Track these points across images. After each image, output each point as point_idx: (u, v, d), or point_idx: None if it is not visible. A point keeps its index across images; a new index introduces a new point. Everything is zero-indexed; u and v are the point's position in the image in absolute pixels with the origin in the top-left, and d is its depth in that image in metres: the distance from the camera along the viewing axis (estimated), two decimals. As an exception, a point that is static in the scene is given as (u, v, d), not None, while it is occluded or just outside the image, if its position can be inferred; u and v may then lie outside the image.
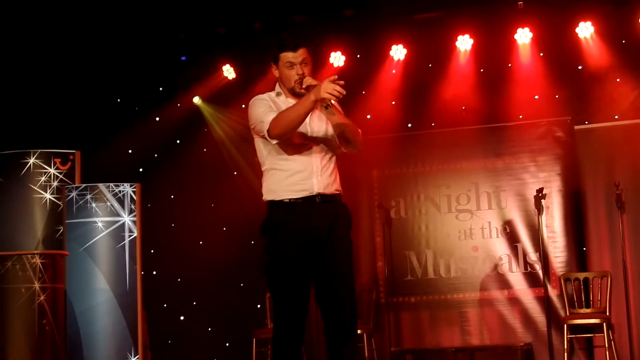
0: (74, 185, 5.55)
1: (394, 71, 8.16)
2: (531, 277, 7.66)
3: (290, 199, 3.88)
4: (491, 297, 7.73)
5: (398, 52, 8.09)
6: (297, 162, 3.90)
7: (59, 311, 5.19)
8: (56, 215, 5.58)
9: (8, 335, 5.08)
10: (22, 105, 7.63)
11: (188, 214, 8.44)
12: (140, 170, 8.50)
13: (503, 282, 7.72)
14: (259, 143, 3.99)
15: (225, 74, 8.44)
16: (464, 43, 7.96)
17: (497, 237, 7.81)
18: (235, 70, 8.41)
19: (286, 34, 3.99)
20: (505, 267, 7.75)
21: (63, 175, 5.64)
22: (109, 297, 5.31)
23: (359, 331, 7.28)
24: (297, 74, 3.91)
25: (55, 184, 5.60)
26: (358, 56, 8.23)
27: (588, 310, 7.24)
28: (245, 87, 7.88)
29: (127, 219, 5.44)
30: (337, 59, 8.16)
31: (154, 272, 8.30)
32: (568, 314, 7.27)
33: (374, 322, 7.76)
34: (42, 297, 5.12)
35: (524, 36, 7.81)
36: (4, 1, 7.10)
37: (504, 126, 7.92)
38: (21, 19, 7.33)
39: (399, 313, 7.91)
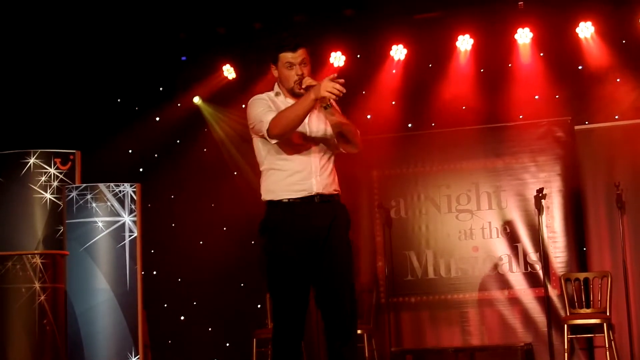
0: (74, 185, 5.55)
1: (394, 71, 8.16)
2: (531, 277, 7.66)
3: (289, 199, 3.88)
4: (491, 297, 7.73)
5: (398, 52, 8.09)
6: (296, 162, 3.91)
7: (59, 311, 5.18)
8: (56, 215, 5.58)
9: (9, 335, 5.08)
10: (22, 105, 7.63)
11: (188, 214, 8.44)
12: (141, 170, 8.50)
13: (503, 282, 7.72)
14: (257, 143, 3.99)
15: (226, 74, 8.44)
16: (464, 43, 7.96)
17: (498, 237, 7.81)
18: (235, 70, 8.41)
19: (286, 34, 3.99)
20: (505, 267, 7.75)
21: (63, 175, 5.64)
22: (110, 297, 5.31)
23: (359, 331, 7.28)
24: (297, 75, 3.91)
25: (55, 183, 5.60)
26: (358, 56, 8.23)
27: (588, 311, 7.24)
28: (246, 87, 7.88)
29: (127, 219, 5.44)
30: (337, 59, 8.16)
31: (154, 272, 8.30)
32: (568, 314, 7.27)
33: (374, 322, 7.76)
34: (42, 297, 5.12)
35: (524, 36, 7.81)
36: (4, 1, 7.10)
37: (504, 126, 7.92)
38: (21, 19, 7.33)
39: (399, 313, 7.91)
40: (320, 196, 3.90)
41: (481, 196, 7.91)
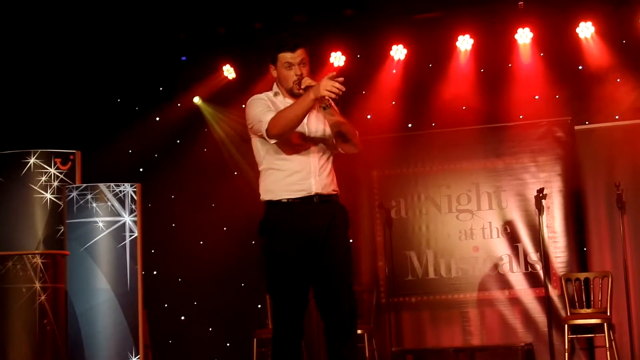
0: (74, 185, 5.54)
1: (394, 71, 8.16)
2: (532, 277, 7.66)
3: (288, 199, 3.88)
4: (492, 297, 7.72)
5: (398, 52, 8.09)
6: (295, 162, 3.91)
7: (59, 311, 5.18)
8: (57, 215, 5.58)
9: (9, 335, 5.07)
10: (22, 105, 7.63)
11: (188, 213, 8.44)
12: (141, 170, 8.50)
13: (504, 282, 7.72)
14: (256, 143, 3.99)
15: (226, 74, 8.44)
16: (464, 43, 7.96)
17: (498, 237, 7.81)
18: (235, 70, 8.41)
19: (285, 34, 3.99)
20: (505, 267, 7.75)
21: (63, 175, 5.64)
22: (110, 297, 5.30)
23: (359, 331, 7.28)
24: (296, 75, 3.91)
25: (55, 183, 5.60)
26: (358, 56, 8.22)
27: (589, 311, 7.23)
28: (246, 87, 7.87)
29: (127, 219, 5.44)
30: (337, 58, 8.15)
31: (155, 272, 8.29)
32: (569, 314, 7.27)
33: (375, 322, 7.75)
34: (43, 297, 5.11)
35: (524, 36, 7.81)
36: (4, 1, 7.10)
37: (505, 126, 7.92)
38: (21, 19, 7.33)
39: (399, 313, 7.91)
40: (319, 196, 3.90)
41: (481, 196, 7.91)
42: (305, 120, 3.88)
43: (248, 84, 7.86)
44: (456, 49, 8.00)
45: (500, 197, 7.85)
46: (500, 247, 7.79)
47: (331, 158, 4.00)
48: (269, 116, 3.84)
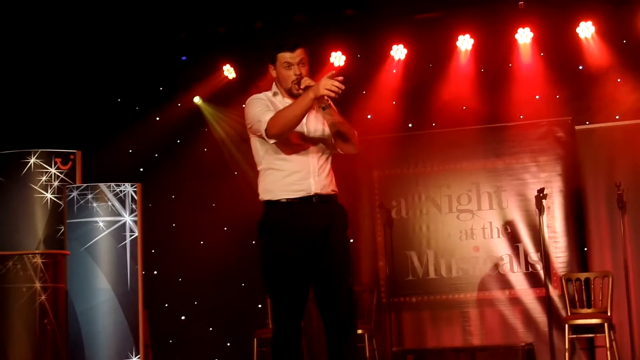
0: (74, 185, 5.54)
1: (394, 71, 8.15)
2: (532, 277, 7.66)
3: (287, 199, 3.88)
4: (492, 297, 7.72)
5: (398, 52, 8.09)
6: (294, 162, 3.91)
7: (60, 311, 5.18)
8: (57, 215, 5.58)
9: (9, 335, 5.07)
10: (22, 105, 7.63)
11: (189, 213, 8.44)
12: (141, 170, 8.50)
13: (504, 282, 7.72)
14: (255, 142, 3.99)
15: (226, 73, 8.44)
16: (465, 43, 7.96)
17: (498, 237, 7.81)
18: (235, 70, 8.41)
19: (286, 34, 4.00)
20: (506, 267, 7.75)
21: (64, 175, 5.64)
22: (110, 296, 5.30)
23: (360, 331, 7.28)
24: (295, 74, 3.90)
25: (56, 183, 5.60)
26: (358, 56, 8.22)
27: (589, 311, 7.23)
28: (246, 87, 7.87)
29: (128, 218, 5.44)
30: (337, 58, 8.15)
31: (155, 272, 8.29)
32: (569, 314, 7.27)
33: (375, 322, 7.75)
34: (43, 297, 5.11)
35: (524, 36, 7.81)
36: (5, 1, 7.10)
37: (505, 126, 7.92)
38: (22, 19, 7.33)
39: (400, 313, 7.91)
40: (319, 196, 3.90)
41: (482, 196, 7.91)
42: (304, 121, 3.88)
43: (248, 84, 7.86)
44: (456, 49, 8.00)
45: (500, 197, 7.85)
46: (501, 247, 7.78)
47: (330, 158, 4.00)
48: (268, 116, 3.84)
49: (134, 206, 5.47)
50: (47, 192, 5.57)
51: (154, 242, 7.64)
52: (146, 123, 8.44)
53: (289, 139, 3.88)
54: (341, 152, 4.03)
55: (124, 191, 5.46)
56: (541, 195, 7.39)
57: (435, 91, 8.01)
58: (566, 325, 7.05)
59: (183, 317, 8.43)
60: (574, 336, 7.13)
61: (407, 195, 8.06)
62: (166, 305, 8.36)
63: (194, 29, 8.16)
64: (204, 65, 8.40)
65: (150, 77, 8.46)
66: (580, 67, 7.77)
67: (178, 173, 8.45)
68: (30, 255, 5.19)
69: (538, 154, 7.79)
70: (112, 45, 8.00)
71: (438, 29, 7.91)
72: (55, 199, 5.57)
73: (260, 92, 4.04)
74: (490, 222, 7.84)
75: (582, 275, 7.36)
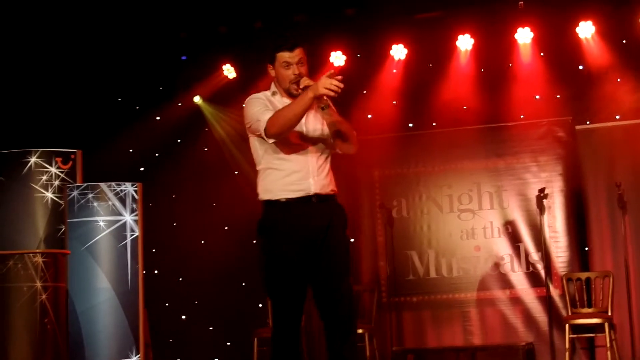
0: (75, 185, 5.54)
1: (394, 71, 8.16)
2: (533, 277, 7.66)
3: (286, 199, 3.89)
4: (493, 296, 7.72)
5: (399, 51, 8.09)
6: (293, 162, 3.91)
7: (60, 310, 5.18)
8: (58, 214, 5.57)
9: (10, 334, 5.07)
10: (23, 104, 7.63)
11: (189, 213, 8.44)
12: (142, 169, 8.50)
13: (505, 282, 7.72)
14: (254, 142, 3.99)
15: (226, 73, 8.44)
16: (465, 43, 7.96)
17: (499, 237, 7.81)
18: (235, 69, 8.41)
19: (286, 34, 4.00)
20: (507, 267, 7.75)
21: (64, 175, 5.63)
22: (111, 296, 5.30)
23: (360, 331, 7.28)
24: (294, 74, 3.91)
25: (56, 183, 5.59)
26: (359, 56, 8.22)
27: (590, 310, 7.23)
28: (246, 87, 7.87)
29: (128, 218, 5.43)
30: (337, 58, 8.15)
31: (156, 272, 8.29)
32: (570, 313, 7.26)
33: (376, 321, 7.75)
34: (43, 296, 5.11)
35: (524, 36, 7.81)
36: (5, 1, 7.10)
37: (505, 126, 7.93)
38: (22, 18, 7.33)
39: (400, 313, 7.91)
40: (318, 196, 3.91)
41: (483, 196, 7.91)
42: (303, 120, 3.88)
43: (248, 84, 7.86)
44: (456, 49, 8.00)
45: (501, 197, 7.85)
46: (502, 247, 7.79)
47: (329, 158, 4.01)
48: (268, 115, 3.84)
49: (134, 206, 5.46)
50: (47, 191, 5.57)
51: (155, 242, 7.64)
52: (146, 123, 8.44)
53: (288, 139, 3.88)
54: (340, 152, 4.03)
55: (124, 191, 5.45)
56: (542, 195, 7.39)
57: (436, 91, 8.01)
58: (567, 325, 7.05)
59: (183, 317, 8.43)
60: (575, 336, 7.13)
61: (408, 194, 8.06)
62: (166, 304, 8.36)
63: (194, 29, 8.17)
64: (204, 65, 8.40)
65: (151, 77, 8.46)
66: (581, 67, 7.77)
67: (178, 173, 8.45)
68: (31, 255, 5.19)
69: (539, 154, 7.79)
70: (112, 44, 8.00)
71: (438, 28, 7.91)
72: (55, 199, 5.56)
73: (259, 92, 4.05)
74: (491, 222, 7.85)
75: (583, 275, 7.36)
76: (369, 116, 8.23)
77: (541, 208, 7.38)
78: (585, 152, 7.61)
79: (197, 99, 8.60)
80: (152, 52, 8.25)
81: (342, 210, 3.99)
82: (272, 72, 3.99)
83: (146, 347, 5.92)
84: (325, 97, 3.79)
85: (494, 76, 7.92)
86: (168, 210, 8.41)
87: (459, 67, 8.01)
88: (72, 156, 5.75)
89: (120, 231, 5.40)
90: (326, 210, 3.91)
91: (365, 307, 7.75)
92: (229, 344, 8.29)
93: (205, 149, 8.59)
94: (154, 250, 7.82)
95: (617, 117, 7.64)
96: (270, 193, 3.92)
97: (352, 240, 7.87)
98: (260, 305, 8.03)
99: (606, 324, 6.94)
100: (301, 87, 3.86)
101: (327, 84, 3.70)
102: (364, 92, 8.17)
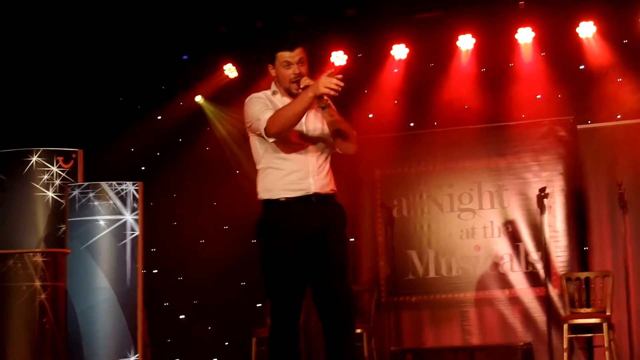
0: (76, 184, 5.54)
1: (395, 70, 8.16)
2: (532, 277, 7.66)
3: (286, 198, 3.90)
4: (492, 296, 7.73)
5: (400, 51, 8.09)
6: (293, 161, 3.92)
7: (59, 309, 5.19)
8: (58, 213, 5.57)
9: (8, 333, 5.08)
10: (24, 103, 7.65)
11: (190, 212, 8.46)
12: (143, 168, 8.51)
13: (504, 282, 7.72)
14: (254, 141, 4.00)
15: (227, 72, 8.46)
16: (466, 42, 7.95)
17: (499, 236, 7.81)
18: (236, 69, 8.42)
19: (286, 33, 4.01)
20: (506, 267, 7.75)
21: (65, 174, 5.63)
22: (110, 295, 5.30)
23: (359, 330, 7.28)
24: (294, 74, 3.92)
25: (57, 182, 5.60)
26: (359, 55, 8.23)
27: (588, 310, 7.23)
28: (247, 86, 7.84)
29: (129, 217, 5.44)
30: (338, 58, 8.16)
31: (155, 271, 8.31)
32: (569, 313, 7.26)
33: (375, 321, 7.76)
34: (43, 296, 5.12)
35: (525, 36, 7.80)
36: (5, 1, 7.12)
37: (506, 125, 7.93)
38: (23, 17, 7.35)
39: (399, 312, 7.91)
40: (318, 196, 3.92)
41: (483, 195, 7.91)
42: (303, 120, 3.90)
43: (249, 83, 7.85)
44: (457, 49, 7.99)
45: (502, 196, 7.85)
46: (502, 246, 7.79)
47: (329, 157, 4.02)
48: (268, 115, 3.85)
49: (135, 205, 5.47)
50: (48, 190, 5.58)
51: (155, 241, 7.65)
52: (148, 122, 8.46)
53: (288, 138, 3.89)
54: (340, 152, 4.04)
55: (125, 190, 5.46)
56: (542, 194, 7.39)
57: (437, 90, 8.01)
58: (565, 325, 7.05)
59: (182, 316, 8.44)
60: (573, 336, 7.12)
61: (409, 194, 8.07)
62: (166, 304, 8.38)
63: (195, 28, 8.17)
64: (206, 64, 8.42)
65: (152, 76, 8.48)
66: (582, 67, 7.77)
67: (179, 172, 8.47)
68: (30, 254, 5.20)
69: (540, 153, 7.79)
70: (113, 44, 8.01)
71: (439, 28, 7.91)
72: (56, 198, 5.57)
73: (260, 91, 4.06)
74: (492, 221, 7.85)
75: (582, 275, 7.35)
76: (370, 115, 8.23)
77: (542, 207, 7.38)
78: (586, 152, 7.61)
79: (198, 99, 8.61)
80: (153, 51, 8.26)
81: (341, 210, 4.00)
82: (273, 72, 4.00)
83: (145, 346, 5.94)
84: (325, 97, 3.80)
85: (495, 76, 7.92)
86: (168, 209, 8.43)
87: (460, 66, 8.02)
88: (74, 155, 5.75)
89: (120, 230, 5.41)
90: (326, 209, 3.93)
91: (364, 306, 7.76)
92: (228, 343, 8.30)
93: (207, 149, 8.60)
94: (153, 250, 7.84)
95: (619, 116, 7.63)
96: (270, 192, 3.93)
97: (352, 239, 7.88)
98: (259, 305, 8.04)
99: (605, 324, 6.93)
100: (301, 86, 3.88)
101: (328, 83, 3.71)
102: (365, 91, 8.18)
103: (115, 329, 5.26)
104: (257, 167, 4.02)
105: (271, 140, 3.87)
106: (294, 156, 3.92)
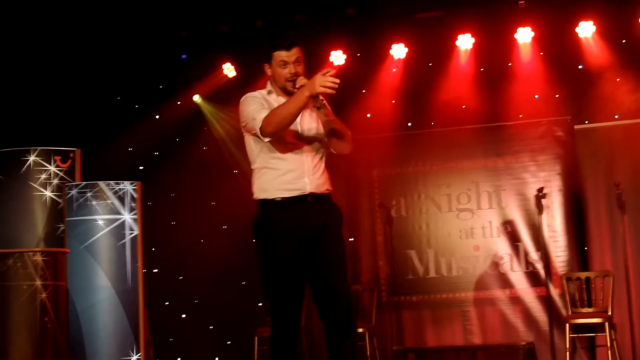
0: (74, 183, 5.52)
1: (394, 70, 8.16)
2: (533, 277, 7.66)
3: (281, 198, 3.89)
4: (493, 296, 7.73)
5: (398, 51, 8.09)
6: (288, 161, 3.91)
7: (60, 308, 5.16)
8: (57, 212, 5.55)
9: (10, 332, 5.05)
10: (22, 102, 7.62)
11: (189, 212, 8.43)
12: (141, 168, 8.48)
13: (504, 282, 7.72)
14: (249, 141, 3.99)
15: (226, 72, 8.44)
16: (465, 42, 7.96)
17: (498, 236, 7.81)
18: (235, 68, 8.41)
19: (283, 32, 4.00)
20: (506, 267, 7.75)
21: (63, 173, 5.61)
22: (111, 294, 5.29)
23: (360, 330, 7.27)
24: (290, 73, 3.91)
25: (55, 181, 5.58)
26: (358, 55, 8.22)
27: (590, 310, 7.24)
28: (246, 86, 7.81)
29: (127, 217, 5.42)
30: (337, 57, 8.15)
31: (155, 270, 8.28)
32: (570, 313, 7.27)
33: (376, 320, 7.74)
34: (43, 295, 5.10)
35: (524, 35, 7.81)
36: (5, 1, 7.09)
37: (504, 125, 7.93)
38: (22, 17, 7.32)
39: (400, 312, 7.90)
40: (313, 195, 3.91)
41: (481, 195, 7.91)
42: (298, 119, 3.89)
43: (248, 83, 7.82)
44: (456, 48, 8.00)
45: (500, 196, 7.85)
46: (501, 246, 7.79)
47: (324, 157, 4.01)
48: (263, 114, 3.84)
49: (133, 204, 5.45)
50: (46, 190, 5.55)
51: (155, 241, 7.61)
52: (146, 121, 8.43)
53: (283, 138, 3.88)
54: (334, 152, 4.03)
55: (123, 189, 5.44)
56: (540, 194, 7.39)
57: (435, 90, 8.02)
58: (567, 325, 7.05)
59: (183, 316, 8.41)
60: (575, 335, 7.14)
61: (407, 194, 8.06)
62: (167, 303, 8.35)
63: (194, 28, 8.15)
64: (204, 64, 8.40)
65: (150, 76, 8.45)
66: (580, 67, 7.78)
67: (178, 171, 8.44)
68: (30, 253, 5.17)
69: (537, 153, 7.80)
70: (112, 43, 7.98)
71: (438, 28, 7.92)
72: (54, 197, 5.55)
73: (255, 90, 4.05)
74: (490, 221, 7.85)
75: (583, 275, 7.36)
76: (368, 115, 8.22)
77: (540, 207, 7.38)
78: (584, 152, 7.62)
79: (196, 98, 8.59)
80: (152, 50, 8.24)
81: (337, 209, 3.99)
82: (269, 71, 3.99)
83: (146, 345, 5.90)
84: (320, 97, 3.79)
85: (493, 76, 7.93)
86: (167, 209, 8.40)
87: (459, 66, 8.02)
88: (71, 155, 5.73)
89: (119, 230, 5.39)
90: (322, 209, 3.92)
91: (365, 306, 7.75)
92: (229, 343, 8.28)
93: (205, 148, 8.58)
94: (153, 249, 7.80)
95: (616, 116, 7.65)
96: (266, 192, 3.91)
97: (351, 239, 7.86)
98: (260, 304, 8.01)
99: (606, 324, 6.95)
100: (297, 86, 3.87)
101: (324, 82, 3.69)
102: (364, 91, 8.17)
103: (117, 328, 5.25)
104: (252, 167, 4.00)
105: (266, 139, 3.86)
106: (289, 156, 3.91)
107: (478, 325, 7.72)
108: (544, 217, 7.52)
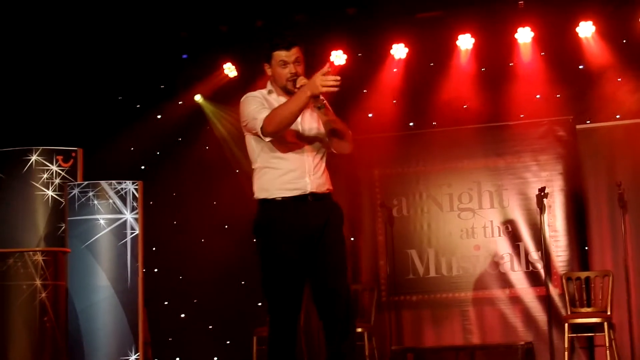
0: (76, 183, 5.54)
1: (395, 70, 8.16)
2: (533, 276, 7.66)
3: (282, 198, 3.90)
4: (492, 296, 7.73)
5: (399, 50, 8.10)
6: (289, 160, 3.92)
7: (60, 308, 5.17)
8: (58, 212, 5.57)
9: (9, 332, 5.06)
10: (24, 102, 7.65)
11: (190, 211, 8.45)
12: (142, 167, 8.50)
13: (504, 281, 7.73)
14: (250, 141, 4.01)
15: (227, 72, 8.45)
16: (465, 42, 7.96)
17: (499, 236, 7.82)
18: (236, 68, 8.42)
19: (283, 32, 4.01)
20: (507, 266, 7.76)
21: (65, 173, 5.63)
22: (110, 294, 5.30)
23: (359, 329, 7.29)
24: (290, 73, 3.92)
25: (57, 181, 5.59)
26: (359, 55, 8.23)
27: (589, 310, 7.24)
28: (247, 85, 7.82)
29: (129, 216, 5.43)
30: (338, 57, 8.16)
31: (156, 270, 8.30)
32: (569, 313, 7.27)
33: (375, 320, 7.76)
34: (43, 294, 5.11)
35: (525, 35, 7.81)
36: (5, 1, 7.12)
37: (506, 125, 7.94)
38: (23, 16, 7.34)
39: (400, 311, 7.92)
40: (314, 195, 3.92)
41: (483, 195, 7.92)
42: (299, 119, 3.90)
43: (249, 82, 7.82)
44: (457, 48, 8.00)
45: (501, 196, 7.86)
46: (502, 246, 7.79)
47: (325, 157, 4.02)
48: (264, 114, 3.85)
49: (134, 204, 5.46)
50: (48, 189, 5.57)
51: (155, 240, 7.65)
52: (147, 121, 8.45)
53: (284, 137, 3.89)
54: (335, 152, 4.04)
55: (125, 189, 5.45)
56: (542, 194, 7.39)
57: (436, 90, 8.02)
58: (566, 324, 7.05)
59: (183, 315, 8.44)
60: (574, 335, 7.14)
61: (408, 193, 8.07)
62: (166, 303, 8.37)
63: (195, 28, 8.17)
64: (205, 63, 8.41)
65: (152, 75, 8.47)
66: (581, 67, 7.78)
67: (179, 171, 8.46)
68: (30, 253, 5.19)
69: (539, 153, 7.80)
70: (113, 43, 8.01)
71: (439, 28, 7.92)
72: (56, 197, 5.56)
73: (256, 90, 4.07)
74: (491, 221, 7.85)
75: (583, 274, 7.36)
76: (370, 115, 8.24)
77: (541, 207, 7.38)
78: (585, 152, 7.62)
79: (197, 98, 8.61)
80: (153, 50, 8.26)
81: (338, 209, 4.00)
82: (269, 71, 4.01)
83: (145, 345, 5.92)
84: (321, 97, 3.80)
85: (494, 75, 7.93)
86: (168, 208, 8.42)
87: (460, 66, 8.02)
88: (73, 154, 5.75)
89: (120, 229, 5.40)
90: (322, 208, 3.93)
91: (364, 306, 7.76)
92: (228, 342, 8.30)
93: (206, 148, 8.60)
94: (154, 249, 7.83)
95: (618, 116, 7.64)
96: (267, 192, 3.93)
97: (352, 239, 7.88)
98: (259, 304, 8.03)
99: (605, 324, 6.95)
100: (297, 86, 3.88)
101: (325, 82, 3.70)
102: (365, 91, 8.18)
103: (116, 328, 5.26)
104: (253, 167, 4.01)
105: (267, 139, 3.87)
106: (290, 155, 3.92)
107: (477, 324, 7.73)
108: (545, 217, 7.52)
